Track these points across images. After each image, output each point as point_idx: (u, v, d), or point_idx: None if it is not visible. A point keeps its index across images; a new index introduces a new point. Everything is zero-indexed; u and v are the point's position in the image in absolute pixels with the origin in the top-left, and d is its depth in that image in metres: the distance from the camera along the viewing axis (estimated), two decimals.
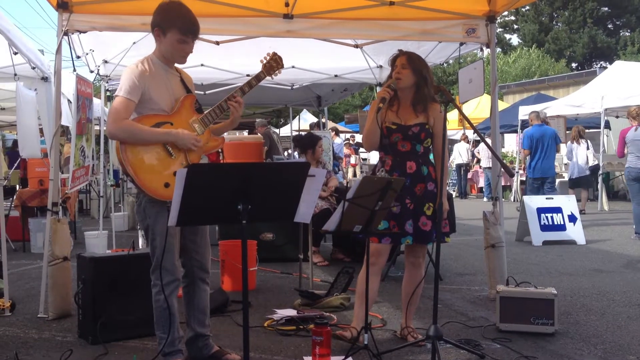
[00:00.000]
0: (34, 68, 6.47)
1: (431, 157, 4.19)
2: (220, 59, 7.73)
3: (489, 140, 4.97)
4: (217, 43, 6.48)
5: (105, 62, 7.68)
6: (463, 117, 4.15)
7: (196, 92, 8.42)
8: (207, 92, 8.95)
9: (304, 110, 18.50)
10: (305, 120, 20.01)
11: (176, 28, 3.44)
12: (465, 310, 5.09)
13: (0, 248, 5.28)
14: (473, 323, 4.66)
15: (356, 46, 7.22)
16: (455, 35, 5.60)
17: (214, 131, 3.74)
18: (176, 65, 3.69)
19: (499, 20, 5.67)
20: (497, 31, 6.48)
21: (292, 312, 4.71)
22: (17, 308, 5.12)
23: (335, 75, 8.72)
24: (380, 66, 8.11)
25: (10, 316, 4.94)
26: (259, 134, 11.93)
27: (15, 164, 10.77)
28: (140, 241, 6.41)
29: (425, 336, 3.76)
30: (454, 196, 10.31)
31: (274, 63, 3.82)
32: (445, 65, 10.72)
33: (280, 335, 4.34)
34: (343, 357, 3.69)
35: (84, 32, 5.34)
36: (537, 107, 15.78)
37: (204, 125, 3.60)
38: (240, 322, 4.50)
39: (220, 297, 5.06)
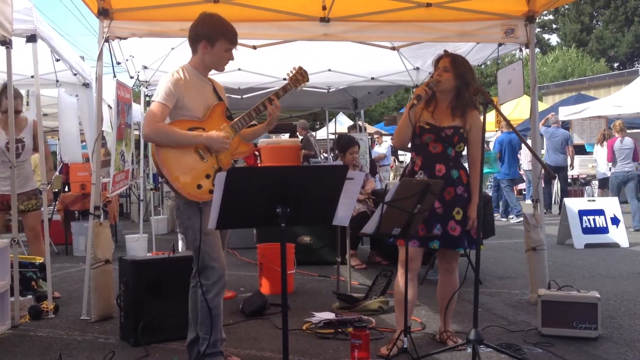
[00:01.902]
0: (75, 74, 6.61)
1: (464, 162, 4.13)
2: (257, 63, 7.78)
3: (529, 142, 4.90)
4: (254, 47, 6.53)
5: (145, 67, 7.81)
6: (503, 119, 4.07)
7: (233, 96, 8.58)
8: (244, 96, 9.02)
9: (340, 113, 18.46)
10: (341, 123, 19.97)
11: (225, 38, 3.64)
12: (505, 314, 5.02)
13: (44, 251, 5.41)
14: (514, 327, 4.59)
15: (393, 48, 7.19)
16: (493, 36, 5.53)
17: (249, 134, 3.88)
18: (211, 74, 3.84)
19: (537, 20, 5.58)
20: (536, 31, 6.37)
21: (330, 315, 4.70)
22: (61, 310, 5.23)
23: (372, 78, 8.71)
24: (417, 68, 8.07)
25: (54, 318, 5.05)
26: (300, 136, 11.99)
27: (58, 169, 11.01)
28: (180, 244, 6.49)
29: (466, 340, 3.71)
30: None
31: (299, 76, 3.97)
32: (482, 66, 10.59)
33: (319, 338, 4.34)
34: None
35: (124, 38, 5.44)
36: (578, 108, 15.51)
37: (233, 131, 3.73)
38: (279, 325, 4.53)
39: (259, 300, 5.09)
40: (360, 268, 7.07)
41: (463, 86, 3.98)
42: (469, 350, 3.68)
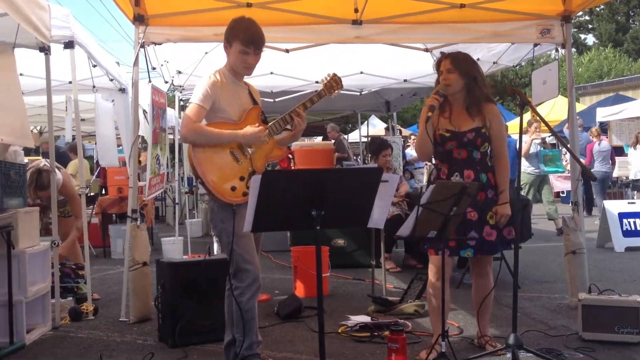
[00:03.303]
0: (111, 80, 6.72)
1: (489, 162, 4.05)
2: (290, 67, 7.81)
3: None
4: (287, 51, 6.55)
5: (179, 72, 7.89)
6: (541, 120, 4.00)
7: (266, 99, 8.61)
8: (276, 99, 9.05)
9: (372, 115, 18.42)
10: (374, 125, 19.93)
11: (238, 39, 3.62)
12: (545, 318, 4.94)
13: (84, 254, 5.50)
14: (554, 332, 4.51)
15: (426, 50, 7.14)
16: (528, 36, 5.46)
17: (277, 142, 3.86)
18: (245, 79, 3.85)
19: (572, 20, 5.48)
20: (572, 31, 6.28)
21: (366, 319, 4.69)
22: (100, 312, 5.32)
23: (405, 80, 8.66)
24: None
25: (94, 320, 5.13)
26: (331, 139, 11.98)
27: (96, 173, 11.20)
28: (215, 247, 6.54)
29: (505, 345, 3.66)
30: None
31: (333, 83, 3.92)
32: (517, 67, 10.50)
33: (355, 341, 4.33)
34: None
35: (159, 44, 5.50)
36: (616, 109, 15.21)
37: (268, 135, 3.72)
38: (314, 327, 4.53)
39: (294, 302, 5.10)
40: (394, 271, 7.03)
41: (471, 83, 3.90)
42: (509, 355, 3.63)
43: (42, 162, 6.02)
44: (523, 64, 7.81)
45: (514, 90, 3.92)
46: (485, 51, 7.01)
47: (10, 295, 4.29)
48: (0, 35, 4.48)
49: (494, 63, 7.05)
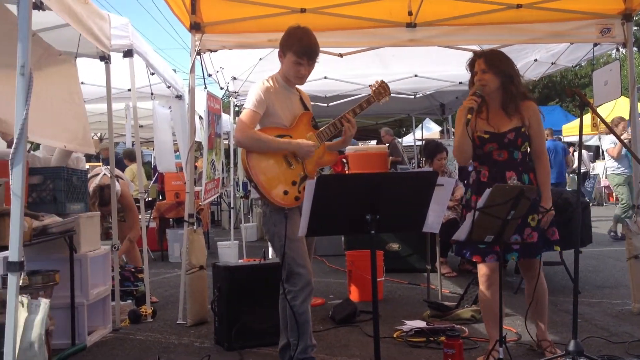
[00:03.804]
0: (168, 87, 6.87)
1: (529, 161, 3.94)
2: (343, 71, 7.83)
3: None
4: (341, 55, 6.55)
5: (234, 78, 8.01)
6: (601, 121, 3.89)
7: (319, 104, 8.64)
8: (330, 104, 9.08)
9: (427, 118, 18.26)
10: (428, 129, 19.75)
11: (292, 51, 3.67)
12: (606, 324, 4.79)
13: (142, 258, 5.63)
14: (616, 339, 4.36)
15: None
16: (588, 36, 5.32)
17: (328, 147, 3.90)
18: (297, 85, 3.89)
19: (634, 19, 5.31)
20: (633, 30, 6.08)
21: (421, 324, 4.64)
22: (158, 314, 5.43)
23: (460, 82, 8.55)
24: None
25: (152, 322, 5.24)
26: (385, 143, 11.95)
27: (154, 178, 11.44)
28: (270, 251, 6.59)
29: (565, 352, 3.57)
30: (590, 204, 9.75)
31: (382, 90, 3.97)
32: (577, 67, 10.24)
33: (410, 346, 4.29)
34: None
35: (215, 51, 5.59)
36: None
37: (319, 140, 3.77)
38: (369, 332, 4.51)
39: (349, 307, 5.09)
40: (450, 276, 6.95)
41: (507, 81, 3.79)
42: None
43: (102, 170, 6.20)
44: (582, 64, 7.61)
45: (573, 91, 3.81)
46: (543, 52, 6.87)
47: (73, 298, 4.42)
48: (63, 46, 4.63)
49: (552, 64, 6.90)
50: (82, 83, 5.57)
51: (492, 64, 3.81)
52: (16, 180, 2.42)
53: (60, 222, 4.17)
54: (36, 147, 6.20)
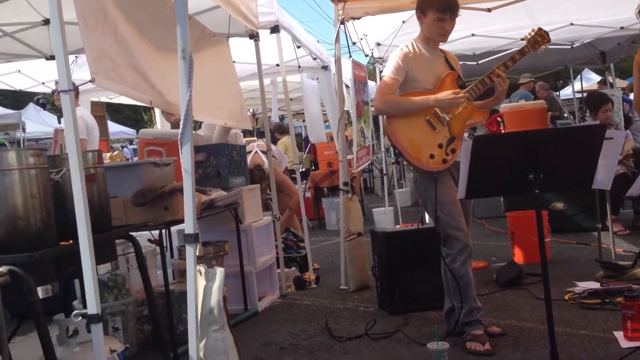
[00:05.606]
0: (314, 59, 6.97)
1: None
2: (492, 26, 7.47)
3: None
4: (489, 10, 6.25)
5: (378, 44, 7.91)
6: None
7: (468, 62, 8.35)
8: (479, 62, 8.74)
9: (586, 69, 17.05)
10: (588, 80, 18.44)
11: (434, 8, 3.57)
12: None
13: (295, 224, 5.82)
14: None
15: None
16: None
17: (479, 106, 3.71)
18: (441, 47, 3.77)
19: None
20: None
21: (594, 285, 4.39)
22: (321, 280, 5.60)
23: (621, 27, 7.84)
24: None
25: (316, 288, 5.42)
26: (541, 98, 11.36)
27: (307, 150, 11.74)
28: (427, 215, 6.54)
29: None
30: None
31: (539, 38, 3.66)
32: None
33: (584, 308, 4.06)
34: None
35: (358, 18, 5.56)
36: None
37: (466, 99, 3.59)
38: (538, 295, 4.36)
39: (514, 269, 4.93)
40: (623, 234, 6.49)
41: None
42: None
43: (254, 147, 6.46)
44: None
45: None
46: None
47: (242, 266, 4.66)
48: (215, 27, 4.83)
49: None
50: (234, 62, 5.81)
51: None
52: (186, 158, 2.56)
53: (225, 195, 4.39)
54: (197, 126, 6.58)
